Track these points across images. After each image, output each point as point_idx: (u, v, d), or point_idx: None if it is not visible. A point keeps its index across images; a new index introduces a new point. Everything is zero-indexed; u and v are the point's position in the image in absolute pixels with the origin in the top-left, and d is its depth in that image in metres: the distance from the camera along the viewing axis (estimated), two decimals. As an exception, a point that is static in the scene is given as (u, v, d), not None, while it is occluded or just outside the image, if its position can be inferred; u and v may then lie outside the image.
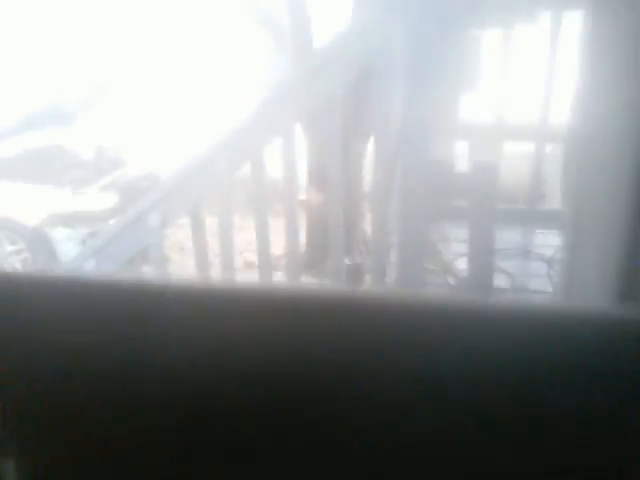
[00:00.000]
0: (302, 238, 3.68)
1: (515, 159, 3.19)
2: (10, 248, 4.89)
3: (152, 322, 0.27)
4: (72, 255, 4.07)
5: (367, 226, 3.62)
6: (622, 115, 0.50)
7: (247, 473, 0.26)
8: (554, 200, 3.41)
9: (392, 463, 0.25)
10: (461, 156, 2.50)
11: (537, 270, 2.29)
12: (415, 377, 0.24)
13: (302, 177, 3.39)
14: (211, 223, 2.75)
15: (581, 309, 0.25)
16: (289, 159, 2.16)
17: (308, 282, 3.24)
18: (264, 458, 0.25)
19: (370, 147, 2.14)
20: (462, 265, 2.19)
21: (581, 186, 0.61)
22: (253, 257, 4.59)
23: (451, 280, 2.21)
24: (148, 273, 2.54)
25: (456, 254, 2.32)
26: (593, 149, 0.57)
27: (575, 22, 2.22)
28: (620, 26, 0.50)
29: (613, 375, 0.23)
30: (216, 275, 2.44)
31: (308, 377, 0.25)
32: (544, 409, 0.24)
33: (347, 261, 2.48)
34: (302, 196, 3.50)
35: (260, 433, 0.25)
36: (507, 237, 2.44)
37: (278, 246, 3.48)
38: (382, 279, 2.18)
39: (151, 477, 0.27)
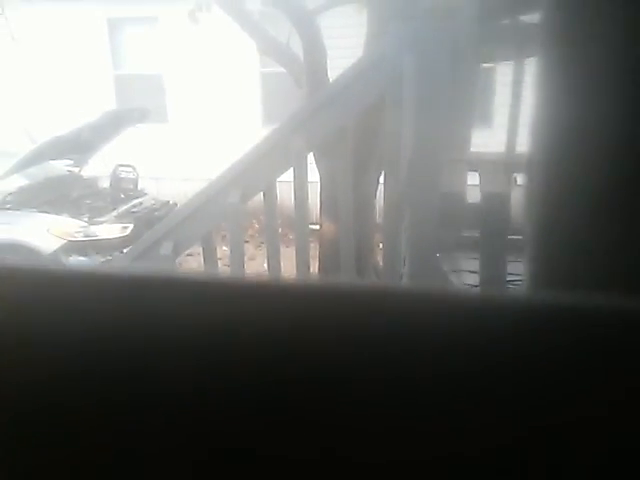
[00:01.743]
0: (314, 268, 3.68)
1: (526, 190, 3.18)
2: (25, 276, 4.92)
3: (151, 316, 0.27)
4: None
5: (379, 256, 3.62)
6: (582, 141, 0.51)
7: (247, 474, 0.26)
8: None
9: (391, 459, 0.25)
10: (472, 187, 2.52)
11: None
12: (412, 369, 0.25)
13: (314, 207, 3.41)
14: (223, 252, 2.77)
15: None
16: (301, 189, 2.18)
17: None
18: (265, 459, 0.26)
19: (382, 178, 2.16)
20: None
21: (542, 215, 0.61)
22: (265, 287, 4.57)
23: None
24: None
25: (468, 285, 2.31)
26: (553, 178, 0.57)
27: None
28: (573, 58, 0.51)
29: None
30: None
31: (312, 373, 0.25)
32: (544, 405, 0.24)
33: (358, 291, 2.47)
34: (314, 226, 3.51)
35: (264, 435, 0.25)
36: (519, 268, 2.43)
37: (290, 276, 3.48)
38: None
39: (145, 476, 0.27)
